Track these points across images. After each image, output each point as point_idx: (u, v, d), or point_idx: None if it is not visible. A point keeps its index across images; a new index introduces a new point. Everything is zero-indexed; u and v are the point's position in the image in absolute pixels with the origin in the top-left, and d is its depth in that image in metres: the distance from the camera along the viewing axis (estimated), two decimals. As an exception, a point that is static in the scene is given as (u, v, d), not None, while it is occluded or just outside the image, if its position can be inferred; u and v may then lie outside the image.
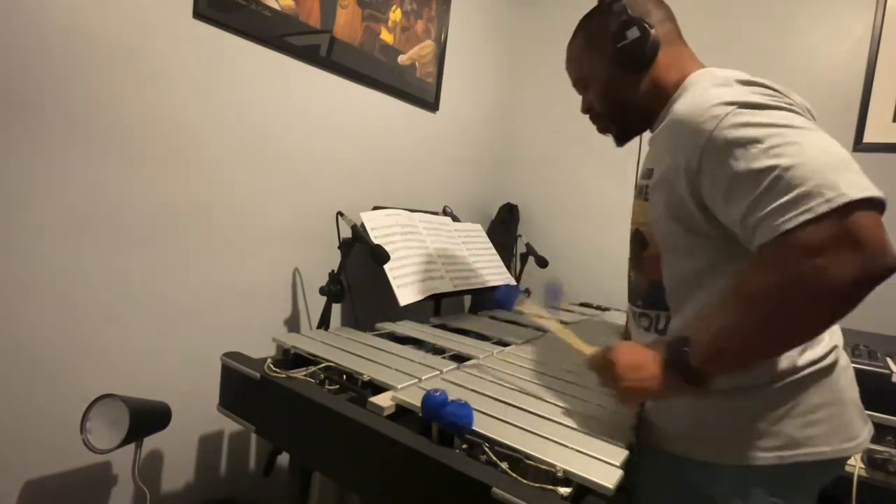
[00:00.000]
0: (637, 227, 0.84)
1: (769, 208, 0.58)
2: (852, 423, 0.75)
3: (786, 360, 0.70)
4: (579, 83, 0.93)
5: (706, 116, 0.65)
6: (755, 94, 0.65)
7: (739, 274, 0.64)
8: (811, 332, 0.66)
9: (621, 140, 0.92)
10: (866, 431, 0.77)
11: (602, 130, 0.93)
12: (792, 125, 0.61)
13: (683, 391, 0.69)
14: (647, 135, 0.91)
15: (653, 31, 0.78)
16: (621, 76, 0.82)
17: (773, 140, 0.59)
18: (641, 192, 0.81)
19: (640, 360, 0.72)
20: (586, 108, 0.93)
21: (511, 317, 1.57)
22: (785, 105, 0.64)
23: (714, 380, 0.67)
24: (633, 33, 0.78)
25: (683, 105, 0.71)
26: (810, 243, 0.56)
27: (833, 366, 0.74)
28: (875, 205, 0.55)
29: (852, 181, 0.56)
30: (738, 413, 0.72)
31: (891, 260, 0.55)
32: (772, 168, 0.58)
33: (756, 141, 0.60)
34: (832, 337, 0.76)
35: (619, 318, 1.60)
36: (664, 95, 0.80)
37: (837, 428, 0.73)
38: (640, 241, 0.83)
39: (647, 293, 0.83)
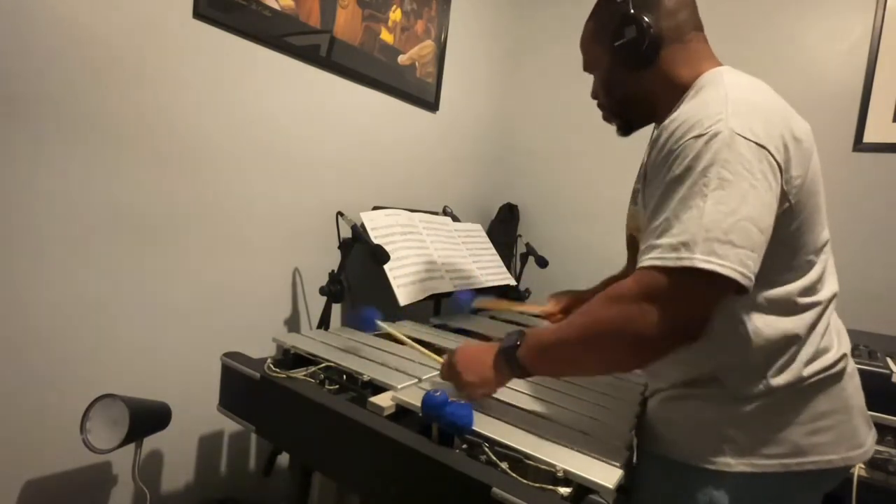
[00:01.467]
0: (631, 233, 0.83)
1: (647, 243, 0.64)
2: (858, 431, 0.74)
3: (791, 371, 0.69)
4: (588, 67, 0.89)
5: (688, 127, 0.64)
6: (747, 134, 0.62)
7: (606, 290, 0.67)
8: (616, 367, 0.77)
9: (624, 131, 0.89)
10: (871, 438, 0.76)
11: (606, 119, 0.90)
12: (724, 180, 0.60)
13: (517, 377, 0.76)
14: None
15: (652, 30, 0.74)
16: (621, 72, 0.79)
17: (701, 187, 0.61)
18: (634, 197, 0.80)
19: (477, 354, 0.80)
20: (594, 94, 0.90)
21: (512, 317, 1.57)
22: (752, 154, 0.61)
23: (534, 373, 0.74)
24: (630, 32, 0.75)
25: (685, 113, 0.67)
26: (648, 285, 0.62)
27: (841, 373, 0.73)
28: (722, 281, 0.58)
29: (717, 252, 0.58)
30: (743, 420, 0.71)
31: (685, 339, 0.62)
32: (671, 211, 0.62)
33: (693, 177, 0.62)
34: (841, 344, 0.75)
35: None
36: (675, 93, 0.76)
37: (844, 435, 0.72)
38: (635, 248, 0.80)
39: None
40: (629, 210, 0.88)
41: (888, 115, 1.61)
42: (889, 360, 1.21)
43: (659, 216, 0.64)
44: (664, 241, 0.61)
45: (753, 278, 0.60)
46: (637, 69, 0.78)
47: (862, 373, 0.78)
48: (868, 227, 1.60)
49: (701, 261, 0.58)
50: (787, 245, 0.69)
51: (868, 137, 1.63)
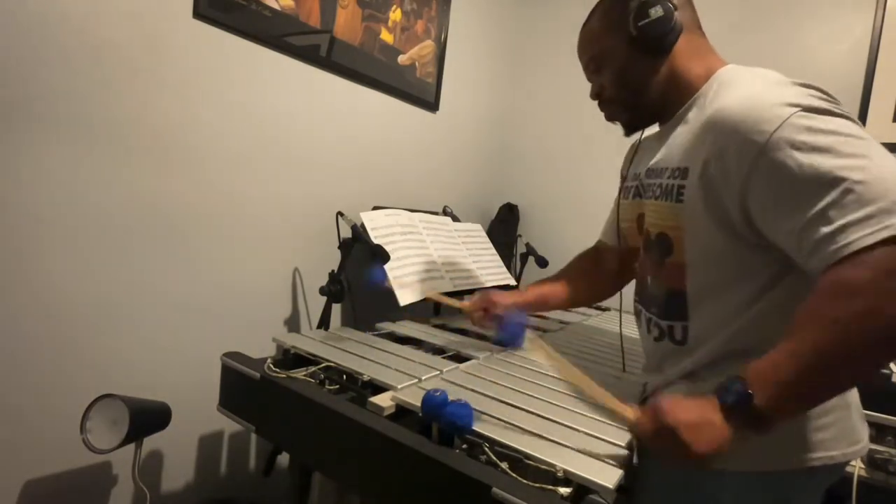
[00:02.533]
0: (662, 230, 0.78)
1: (839, 223, 0.54)
2: (857, 427, 0.74)
3: None
4: (591, 65, 0.87)
5: (767, 116, 0.60)
6: (816, 99, 0.61)
7: (808, 302, 0.57)
8: (887, 362, 0.62)
9: (630, 129, 0.88)
10: (867, 434, 0.77)
11: (610, 118, 0.88)
12: (857, 135, 0.57)
13: (747, 437, 0.59)
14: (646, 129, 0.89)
15: (676, 13, 0.75)
16: (639, 59, 0.78)
17: (842, 149, 0.56)
18: (671, 193, 0.75)
19: (700, 414, 0.61)
20: (596, 94, 0.88)
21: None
22: (846, 113, 0.60)
23: (780, 423, 0.58)
24: (657, 12, 0.74)
25: (732, 102, 0.66)
26: (891, 261, 0.51)
27: None
28: None
29: None
30: None
31: None
32: (841, 180, 0.55)
33: (824, 149, 0.57)
34: None
35: (612, 320, 1.57)
36: (686, 87, 0.77)
37: (845, 431, 0.72)
38: (663, 247, 0.78)
39: (665, 302, 0.79)
40: (637, 206, 0.85)
41: (888, 116, 1.61)
42: (889, 360, 1.21)
43: (818, 196, 0.56)
44: (868, 210, 0.53)
45: None
46: (656, 53, 0.78)
47: (862, 373, 0.78)
48: (868, 227, 1.60)
49: None
50: None
51: (868, 137, 1.63)
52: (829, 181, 0.56)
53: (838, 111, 0.60)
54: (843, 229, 0.54)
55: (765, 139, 0.60)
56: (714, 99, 0.71)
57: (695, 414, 0.61)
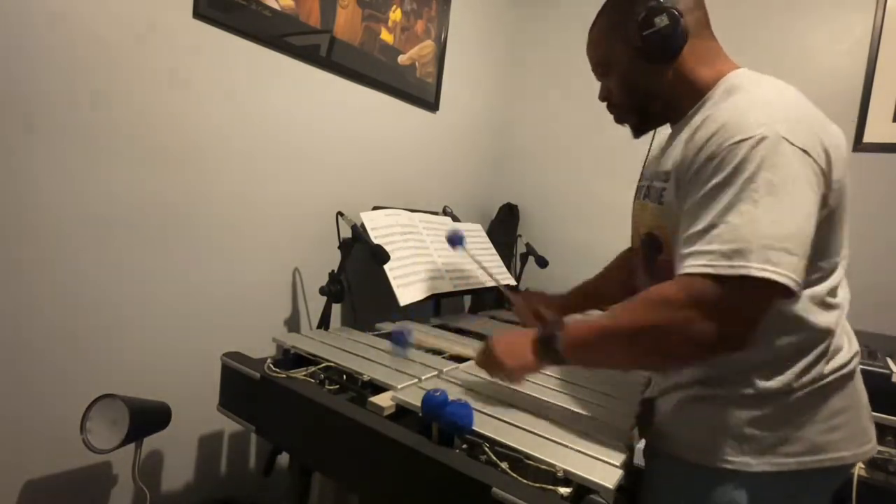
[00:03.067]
0: (650, 230, 0.80)
1: (695, 248, 0.63)
2: (867, 428, 0.75)
3: (813, 369, 0.70)
4: (599, 68, 0.86)
5: (738, 130, 0.63)
6: (796, 133, 0.63)
7: (643, 294, 0.68)
8: (658, 367, 0.78)
9: (638, 132, 0.87)
10: (874, 435, 0.77)
11: (619, 120, 0.88)
12: (774, 185, 0.60)
13: (554, 364, 0.77)
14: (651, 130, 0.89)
15: (683, 20, 0.72)
16: (644, 65, 0.77)
17: (754, 191, 0.60)
18: (657, 195, 0.77)
19: (515, 341, 0.81)
20: (604, 96, 0.88)
21: (512, 317, 1.57)
22: (797, 160, 0.62)
23: (570, 364, 0.75)
24: (662, 21, 0.72)
25: (722, 111, 0.68)
26: (697, 294, 0.61)
27: (854, 371, 0.74)
28: (775, 287, 0.59)
29: (772, 260, 0.58)
30: (761, 420, 0.71)
31: (736, 346, 0.63)
32: (718, 216, 0.62)
33: (742, 184, 0.61)
34: (852, 343, 0.75)
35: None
36: (694, 91, 0.76)
37: (855, 432, 0.73)
38: (654, 246, 0.80)
39: None
40: (642, 207, 0.86)
41: (888, 115, 1.61)
42: (889, 360, 1.21)
43: (701, 220, 0.64)
44: (714, 247, 0.61)
45: (802, 285, 0.61)
46: (661, 62, 0.76)
47: (862, 373, 0.78)
48: (868, 227, 1.60)
49: (757, 269, 0.58)
50: (823, 247, 0.69)
51: (868, 138, 1.63)
52: (717, 212, 0.62)
53: (795, 159, 0.62)
54: (693, 254, 0.63)
55: (722, 146, 0.64)
56: (717, 103, 0.72)
57: (511, 338, 0.82)
